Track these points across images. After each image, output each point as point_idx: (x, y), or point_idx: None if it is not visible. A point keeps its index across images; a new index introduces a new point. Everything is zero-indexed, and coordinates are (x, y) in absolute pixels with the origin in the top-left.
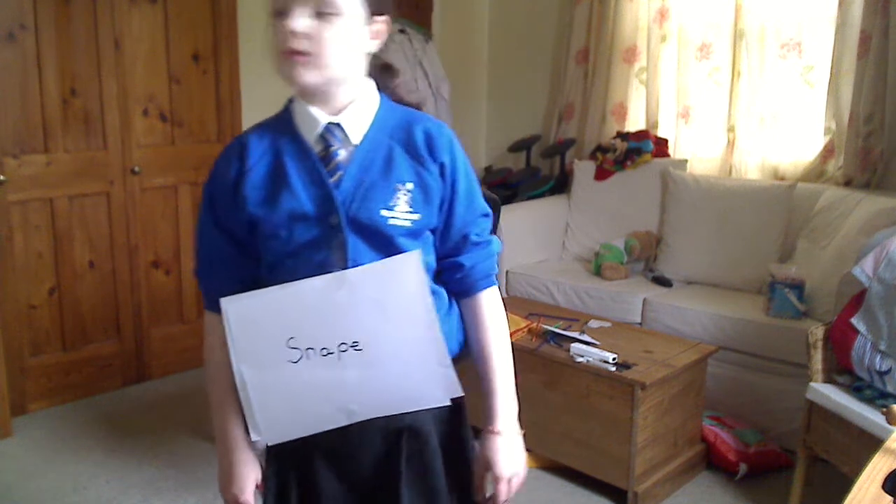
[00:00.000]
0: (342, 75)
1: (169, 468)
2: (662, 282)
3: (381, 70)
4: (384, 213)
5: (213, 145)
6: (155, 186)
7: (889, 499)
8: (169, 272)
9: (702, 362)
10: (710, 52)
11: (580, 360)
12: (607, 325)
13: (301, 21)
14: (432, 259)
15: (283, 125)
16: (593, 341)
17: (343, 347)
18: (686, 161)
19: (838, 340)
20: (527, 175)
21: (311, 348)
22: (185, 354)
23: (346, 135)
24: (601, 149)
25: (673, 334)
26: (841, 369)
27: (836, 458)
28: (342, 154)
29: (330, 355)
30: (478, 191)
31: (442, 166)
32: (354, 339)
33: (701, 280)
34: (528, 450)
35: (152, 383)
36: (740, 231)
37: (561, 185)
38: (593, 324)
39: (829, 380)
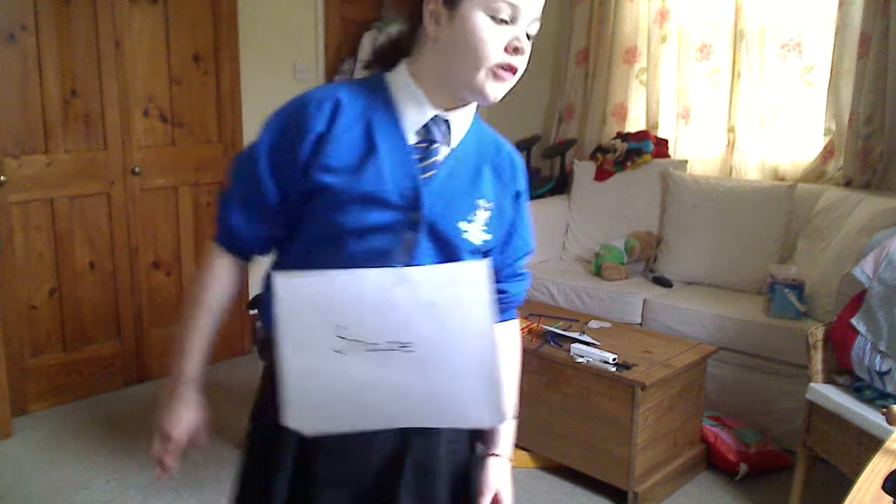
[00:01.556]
0: None
1: None
2: (662, 282)
3: None
4: (461, 224)
5: (213, 146)
6: (155, 187)
7: (889, 499)
8: (169, 273)
9: (702, 363)
10: (711, 52)
11: (580, 360)
12: (607, 325)
13: (524, 35)
14: None
15: (378, 98)
16: (593, 342)
17: (392, 346)
18: (686, 161)
19: (838, 341)
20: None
21: (359, 341)
22: None
23: (449, 135)
24: (601, 149)
25: (673, 335)
26: (841, 370)
27: (836, 458)
28: (442, 152)
29: (377, 352)
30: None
31: (518, 194)
32: (406, 340)
33: (701, 280)
34: (528, 450)
35: (153, 384)
36: (740, 231)
37: (561, 185)
38: (593, 324)
39: (829, 380)
